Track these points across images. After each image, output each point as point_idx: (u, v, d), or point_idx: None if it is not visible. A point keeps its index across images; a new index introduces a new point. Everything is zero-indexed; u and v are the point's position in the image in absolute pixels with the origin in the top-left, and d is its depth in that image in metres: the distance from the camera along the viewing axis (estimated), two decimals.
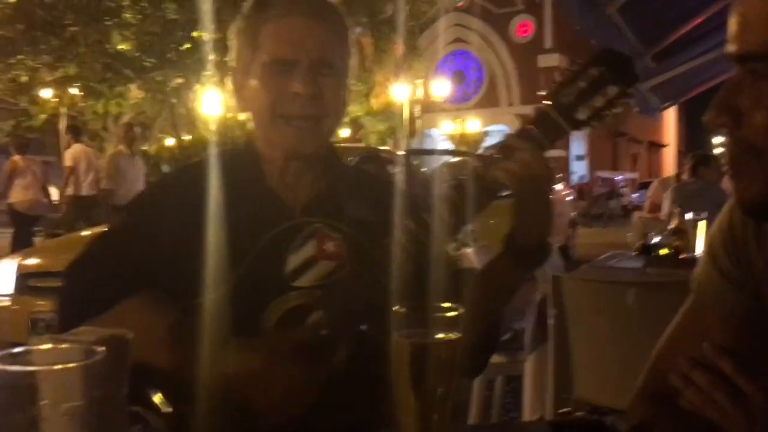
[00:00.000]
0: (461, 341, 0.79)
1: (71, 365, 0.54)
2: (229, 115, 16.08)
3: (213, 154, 1.32)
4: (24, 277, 4.27)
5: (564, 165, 27.34)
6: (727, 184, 5.41)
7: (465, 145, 26.16)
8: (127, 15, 15.14)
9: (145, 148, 16.32)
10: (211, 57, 14.30)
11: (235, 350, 1.09)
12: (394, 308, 0.80)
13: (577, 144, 30.19)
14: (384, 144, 18.89)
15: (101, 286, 1.20)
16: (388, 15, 17.85)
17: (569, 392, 2.61)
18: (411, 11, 18.56)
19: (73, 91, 16.11)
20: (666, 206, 5.92)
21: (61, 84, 15.79)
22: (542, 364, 2.71)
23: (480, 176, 1.13)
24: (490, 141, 29.81)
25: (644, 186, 22.51)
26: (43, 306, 4.04)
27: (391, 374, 0.79)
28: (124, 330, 0.77)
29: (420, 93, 19.71)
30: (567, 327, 2.60)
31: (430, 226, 1.13)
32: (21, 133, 13.96)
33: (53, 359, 0.54)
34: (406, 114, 19.08)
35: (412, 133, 20.08)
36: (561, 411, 2.61)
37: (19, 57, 14.88)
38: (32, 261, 4.51)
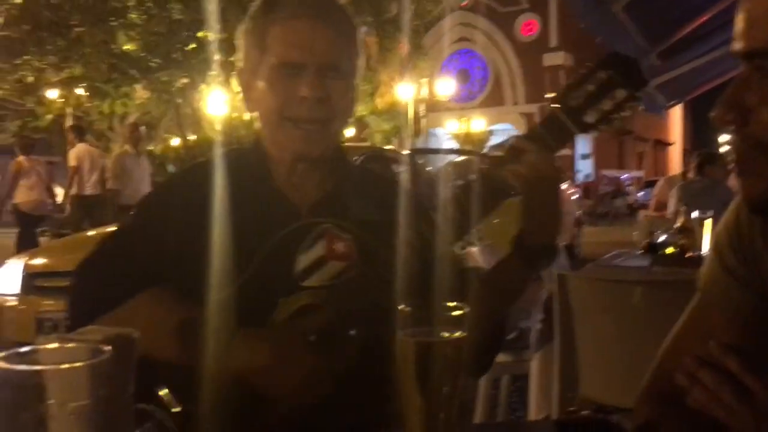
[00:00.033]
0: (467, 340, 0.79)
1: (78, 364, 0.54)
2: (235, 115, 16.10)
3: (221, 153, 1.33)
4: (30, 276, 4.29)
5: (569, 163, 27.28)
6: (733, 182, 5.40)
7: (470, 144, 26.13)
8: (133, 15, 15.16)
9: (150, 148, 16.35)
10: (217, 57, 14.32)
11: (244, 340, 1.09)
12: (399, 307, 0.80)
13: (583, 142, 30.11)
14: (389, 143, 18.89)
15: (111, 285, 1.21)
16: (393, 14, 17.84)
17: (575, 391, 2.61)
18: (416, 10, 18.54)
19: (79, 91, 16.14)
20: (672, 205, 5.92)
21: (67, 84, 15.83)
22: (548, 363, 2.71)
23: (489, 177, 1.14)
24: (495, 140, 29.82)
25: (650, 184, 22.47)
26: (50, 306, 4.06)
27: (397, 373, 0.79)
28: (130, 329, 0.77)
29: (425, 92, 19.69)
30: (573, 326, 2.59)
31: (438, 226, 1.14)
32: (27, 134, 14.01)
33: (60, 358, 0.54)
34: (410, 113, 19.07)
35: (417, 133, 20.06)
36: (567, 410, 2.61)
37: (25, 57, 14.92)
38: (38, 261, 4.53)
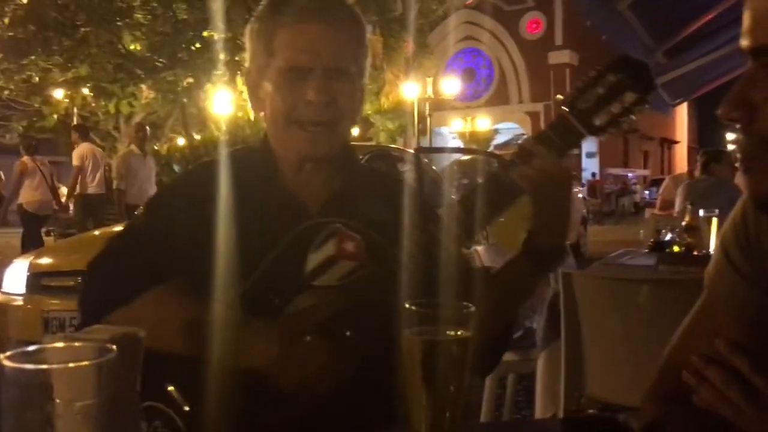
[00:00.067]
0: (472, 339, 0.79)
1: (84, 363, 0.54)
2: (240, 114, 16.13)
3: (229, 152, 1.34)
4: (36, 276, 4.30)
5: (575, 162, 27.25)
6: (739, 180, 5.38)
7: (475, 142, 26.14)
8: (138, 15, 15.21)
9: (156, 147, 16.40)
10: (222, 56, 14.37)
11: (253, 332, 1.10)
12: (405, 305, 0.80)
13: (588, 141, 30.04)
14: (394, 142, 18.89)
15: (121, 283, 1.21)
16: (398, 13, 17.83)
17: (581, 390, 2.61)
18: (421, 9, 18.54)
19: (85, 91, 16.20)
20: (678, 203, 5.89)
21: (73, 84, 15.88)
22: (554, 362, 2.70)
23: (499, 180, 1.14)
24: (500, 138, 29.83)
25: (656, 183, 22.44)
26: (56, 305, 4.08)
27: (403, 371, 0.79)
28: (136, 328, 0.77)
29: (430, 91, 19.67)
30: (579, 325, 2.59)
31: (446, 225, 1.14)
32: (33, 134, 14.07)
33: (66, 357, 0.54)
34: (415, 112, 19.07)
35: (422, 131, 20.06)
36: (573, 409, 2.60)
37: (31, 57, 14.96)
38: (44, 260, 4.55)
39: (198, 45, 15.15)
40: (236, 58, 13.92)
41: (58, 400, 0.52)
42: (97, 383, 0.54)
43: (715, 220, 3.34)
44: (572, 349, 2.59)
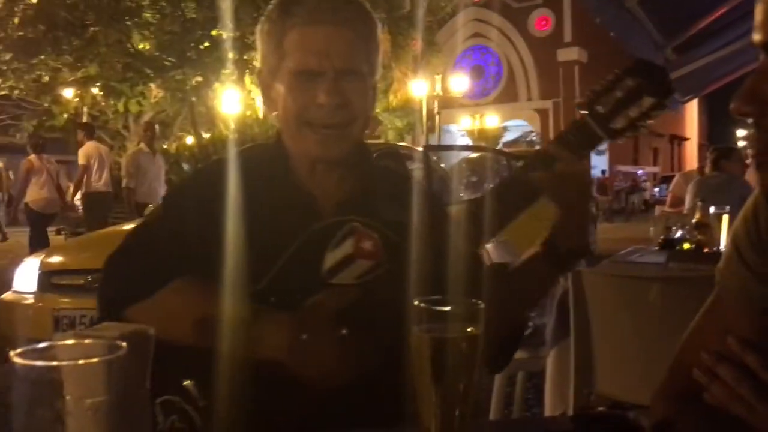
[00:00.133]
0: (482, 336, 0.79)
1: (94, 360, 0.54)
2: (249, 113, 16.17)
3: (242, 150, 1.34)
4: (47, 274, 4.33)
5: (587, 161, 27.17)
6: (750, 177, 5.35)
7: (484, 140, 26.10)
8: (147, 15, 15.26)
9: (165, 146, 16.45)
10: (231, 55, 14.41)
11: (269, 323, 1.10)
12: (414, 302, 0.80)
13: None
14: (402, 140, 18.89)
15: (137, 279, 1.21)
16: (407, 11, 17.83)
17: (591, 388, 2.60)
18: (429, 7, 18.53)
19: (95, 90, 16.26)
20: (688, 200, 5.87)
21: (82, 84, 15.95)
22: (564, 360, 2.69)
23: (517, 182, 1.15)
24: (509, 136, 29.79)
25: (666, 180, 22.34)
26: (66, 303, 4.10)
27: (412, 369, 0.79)
28: (146, 326, 0.77)
29: (438, 88, 19.66)
30: (588, 322, 2.58)
31: (459, 223, 1.14)
32: (43, 133, 14.13)
33: (76, 354, 0.55)
34: (424, 110, 19.07)
35: (430, 129, 20.05)
36: (582, 406, 2.59)
37: (41, 57, 15.03)
38: (55, 259, 4.58)
39: (207, 44, 15.18)
40: (245, 57, 13.96)
41: (68, 397, 0.52)
42: (107, 380, 0.54)
43: (725, 217, 3.32)
44: (582, 347, 2.58)
